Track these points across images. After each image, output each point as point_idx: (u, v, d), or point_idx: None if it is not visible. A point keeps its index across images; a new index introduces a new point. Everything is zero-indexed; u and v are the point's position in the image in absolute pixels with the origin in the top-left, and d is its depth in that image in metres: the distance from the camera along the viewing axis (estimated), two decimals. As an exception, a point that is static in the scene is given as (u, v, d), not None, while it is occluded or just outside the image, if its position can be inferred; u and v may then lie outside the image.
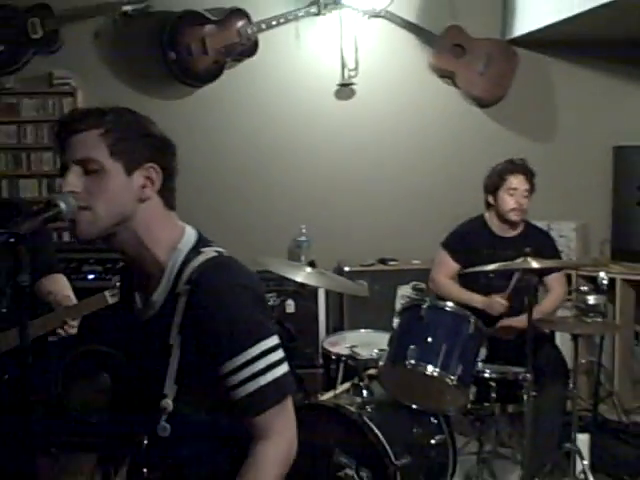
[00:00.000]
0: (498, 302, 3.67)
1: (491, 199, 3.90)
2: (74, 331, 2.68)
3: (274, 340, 1.60)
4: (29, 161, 4.99)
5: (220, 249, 1.68)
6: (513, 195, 3.81)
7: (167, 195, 1.66)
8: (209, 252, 1.64)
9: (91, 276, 4.39)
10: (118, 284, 2.55)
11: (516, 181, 3.82)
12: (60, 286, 2.83)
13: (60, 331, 2.64)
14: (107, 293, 2.69)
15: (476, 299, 3.77)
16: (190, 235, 1.68)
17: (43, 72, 4.98)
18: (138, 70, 5.08)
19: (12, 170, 4.98)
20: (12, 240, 1.49)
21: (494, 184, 3.87)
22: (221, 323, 1.55)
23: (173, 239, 1.66)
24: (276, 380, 1.58)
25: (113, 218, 1.58)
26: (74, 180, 1.57)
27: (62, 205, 1.53)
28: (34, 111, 4.97)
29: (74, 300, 2.75)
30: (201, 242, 1.68)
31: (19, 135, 4.97)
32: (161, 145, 1.65)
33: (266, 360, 1.57)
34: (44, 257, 2.80)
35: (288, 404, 1.62)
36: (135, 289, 1.73)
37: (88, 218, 1.56)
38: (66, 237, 4.89)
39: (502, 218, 3.88)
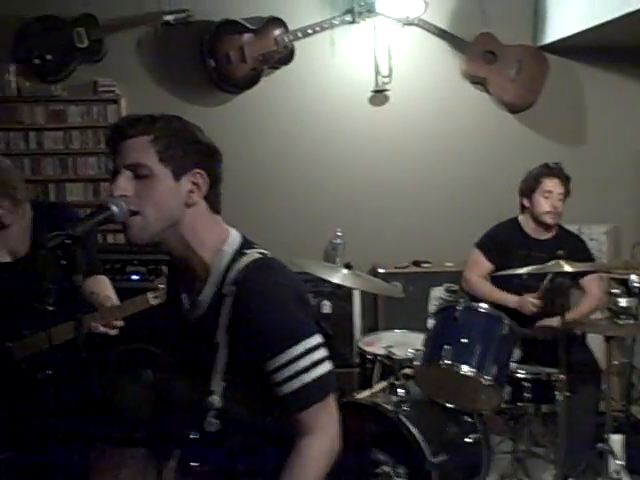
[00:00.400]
0: (531, 302, 3.71)
1: (526, 202, 3.96)
2: (114, 332, 2.69)
3: (317, 339, 1.65)
4: (75, 166, 5.13)
5: (263, 251, 1.73)
6: (548, 198, 3.87)
7: (213, 200, 1.72)
8: (253, 254, 1.69)
9: (135, 277, 4.52)
10: (161, 286, 2.58)
11: (552, 184, 3.88)
12: (102, 287, 2.87)
13: (102, 330, 2.65)
14: (149, 295, 2.69)
15: (509, 299, 3.82)
16: (235, 238, 1.74)
17: (88, 80, 5.14)
18: (179, 77, 5.21)
19: (59, 174, 5.12)
20: (68, 241, 1.54)
21: (530, 187, 3.93)
22: (266, 322, 1.61)
23: (219, 242, 1.71)
24: (319, 377, 1.62)
25: (162, 222, 1.64)
26: (125, 184, 1.62)
27: (114, 208, 1.58)
28: (80, 117, 5.11)
29: (115, 300, 2.78)
30: (245, 244, 1.73)
31: (65, 141, 5.12)
32: (208, 152, 1.70)
33: (310, 358, 1.62)
34: (87, 258, 2.83)
35: (331, 401, 1.67)
36: (181, 290, 1.79)
37: (139, 223, 1.62)
38: (110, 239, 5.05)
39: (537, 221, 3.93)
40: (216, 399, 1.64)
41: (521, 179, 4.02)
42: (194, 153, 1.67)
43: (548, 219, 3.89)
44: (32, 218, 2.89)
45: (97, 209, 1.60)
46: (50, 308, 2.68)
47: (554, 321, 3.67)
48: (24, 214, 2.87)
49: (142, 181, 1.62)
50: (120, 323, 2.70)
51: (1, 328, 2.74)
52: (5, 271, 2.81)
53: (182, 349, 1.81)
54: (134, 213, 1.62)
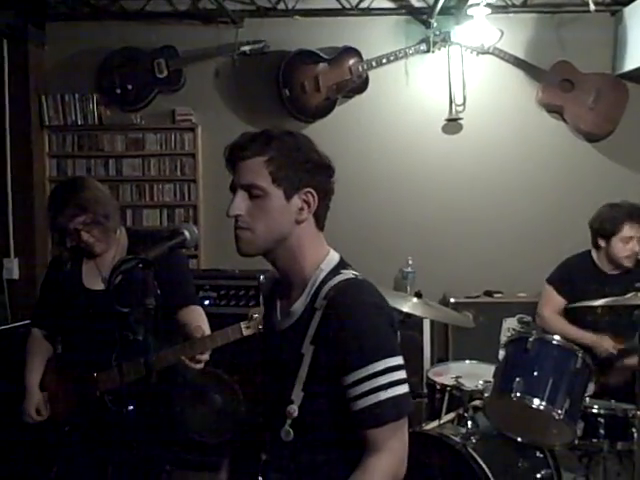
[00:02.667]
0: (608, 342, 3.63)
1: (602, 242, 3.85)
2: (199, 366, 2.69)
3: (399, 360, 1.65)
4: (152, 192, 5.30)
5: (357, 273, 1.76)
6: (628, 243, 3.78)
7: (320, 216, 1.77)
8: (347, 273, 1.73)
9: (206, 302, 4.59)
10: (256, 316, 2.64)
11: (632, 231, 3.77)
12: (194, 318, 2.84)
13: (190, 363, 2.65)
14: (243, 325, 2.71)
15: (586, 336, 3.73)
16: (333, 256, 1.79)
17: (166, 109, 5.32)
18: (254, 106, 5.32)
19: (136, 200, 5.30)
20: (141, 265, 1.60)
21: (608, 230, 3.81)
22: (351, 335, 1.62)
23: (319, 258, 1.76)
24: (395, 397, 1.62)
25: (271, 239, 1.71)
26: (240, 204, 1.69)
27: (186, 234, 1.65)
28: (157, 145, 5.29)
29: (207, 331, 2.75)
30: (341, 264, 1.78)
31: (143, 168, 5.30)
32: (319, 169, 1.75)
33: (389, 376, 1.62)
34: (182, 290, 2.87)
35: (404, 424, 1.67)
36: (278, 298, 1.84)
37: (248, 237, 1.69)
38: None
39: (613, 262, 3.84)
40: (294, 408, 1.66)
41: (595, 215, 3.91)
42: (305, 172, 1.71)
43: (626, 263, 3.80)
44: (127, 246, 2.93)
45: (170, 234, 1.66)
46: (140, 338, 2.76)
47: (634, 360, 3.53)
48: (117, 242, 2.92)
49: (255, 201, 1.69)
50: (205, 357, 2.69)
51: (92, 357, 2.79)
52: (98, 298, 2.83)
53: (271, 356, 1.83)
54: (244, 229, 1.69)
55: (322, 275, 1.73)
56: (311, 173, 1.72)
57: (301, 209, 1.71)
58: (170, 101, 5.32)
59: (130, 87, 5.22)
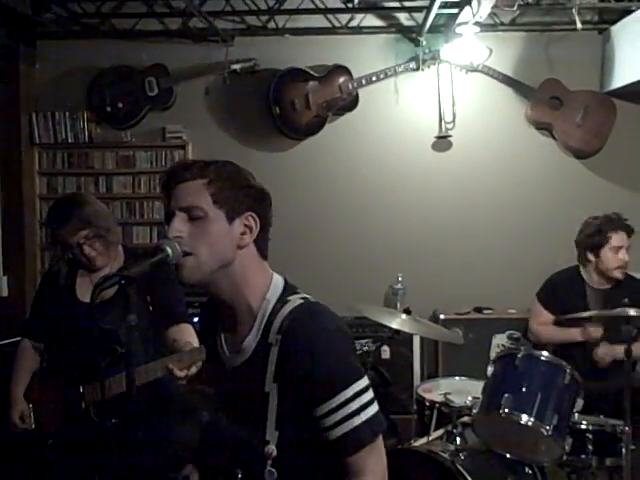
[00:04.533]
0: (596, 329, 3.70)
1: (591, 256, 3.86)
2: (183, 380, 2.63)
3: (365, 381, 1.65)
4: (142, 209, 5.31)
5: (305, 295, 1.74)
6: (617, 253, 3.79)
7: (261, 244, 1.74)
8: (295, 299, 1.70)
9: (195, 319, 4.57)
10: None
11: (620, 239, 3.80)
12: (185, 335, 2.82)
13: (180, 374, 2.59)
14: None
15: (574, 332, 3.80)
16: (278, 283, 1.75)
17: (157, 127, 5.34)
18: (244, 124, 5.34)
19: (126, 217, 5.30)
20: (123, 282, 1.57)
21: (597, 242, 3.83)
22: (317, 366, 1.60)
23: (264, 287, 1.72)
24: (369, 420, 1.63)
25: (215, 263, 1.65)
26: (179, 226, 1.64)
27: (168, 250, 1.60)
28: (148, 163, 5.30)
29: (197, 344, 2.67)
30: (287, 289, 1.74)
31: (134, 185, 5.31)
32: (260, 196, 1.73)
33: (359, 401, 1.62)
34: (173, 308, 2.88)
35: (380, 442, 1.67)
36: (221, 332, 1.79)
37: (192, 263, 1.63)
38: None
39: (603, 275, 3.85)
40: (272, 448, 1.63)
41: (580, 231, 3.94)
42: (247, 196, 1.69)
43: (617, 274, 3.83)
44: (123, 263, 2.96)
45: (152, 251, 1.63)
46: (120, 350, 2.71)
47: (616, 348, 3.60)
48: (116, 257, 2.96)
49: (196, 223, 1.65)
50: (194, 370, 2.65)
51: (80, 370, 2.80)
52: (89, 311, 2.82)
53: (226, 396, 1.79)
54: (187, 254, 1.63)
55: (270, 306, 1.70)
56: (253, 198, 1.70)
57: (243, 233, 1.69)
58: (161, 119, 5.34)
59: (121, 105, 5.24)
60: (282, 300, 1.70)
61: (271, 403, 1.64)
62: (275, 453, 1.63)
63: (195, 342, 2.78)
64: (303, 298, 1.72)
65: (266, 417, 1.64)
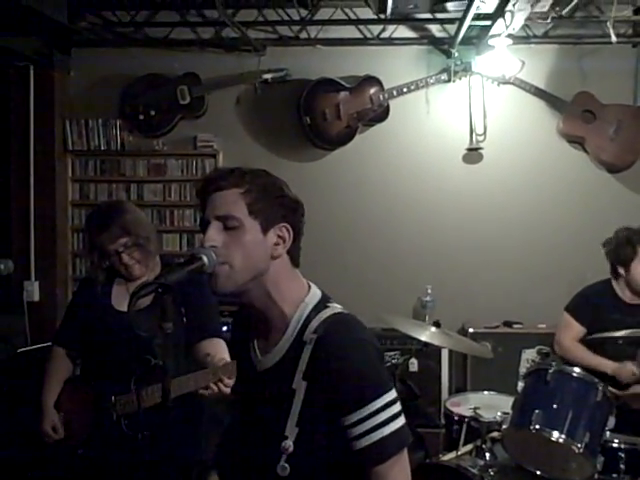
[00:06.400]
0: (630, 370, 3.58)
1: (621, 270, 3.80)
2: (227, 390, 2.57)
3: (394, 393, 1.66)
4: (172, 217, 5.35)
5: (340, 307, 1.75)
6: None
7: (294, 253, 1.75)
8: (333, 308, 1.72)
9: (224, 328, 4.59)
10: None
11: None
12: (218, 349, 2.77)
13: (215, 389, 2.55)
14: None
15: (606, 364, 3.68)
16: (315, 292, 1.77)
17: (188, 135, 5.37)
18: (275, 134, 5.36)
19: (157, 225, 5.29)
20: (160, 290, 1.57)
21: (626, 256, 3.77)
22: (349, 376, 1.61)
23: (298, 294, 1.74)
24: (396, 431, 1.63)
25: (249, 273, 1.66)
26: (215, 235, 1.65)
27: (205, 259, 1.60)
28: (179, 171, 5.34)
29: (228, 359, 2.62)
30: (325, 299, 1.76)
31: (164, 193, 5.35)
32: (293, 206, 1.73)
33: (388, 412, 1.63)
34: (205, 322, 2.84)
35: (405, 455, 1.68)
36: (252, 339, 1.80)
37: (226, 272, 1.64)
38: (203, 289, 5.16)
39: (634, 290, 3.80)
40: (289, 444, 1.64)
41: (609, 244, 3.88)
42: (281, 207, 1.70)
43: None
44: (160, 272, 2.90)
45: (188, 259, 1.63)
46: (161, 363, 2.72)
47: None
48: (154, 267, 2.91)
49: (231, 232, 1.66)
50: (231, 381, 2.57)
51: (112, 380, 2.77)
52: (125, 320, 2.69)
53: (254, 396, 1.79)
54: (222, 263, 1.64)
55: (307, 310, 1.71)
56: (287, 208, 1.71)
57: (276, 244, 1.69)
58: (192, 127, 5.37)
59: (153, 113, 5.28)
60: (319, 307, 1.72)
61: (296, 399, 1.64)
62: (292, 449, 1.63)
63: (228, 358, 2.73)
64: (339, 309, 1.74)
65: (289, 413, 1.65)
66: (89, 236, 2.87)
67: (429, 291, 5.10)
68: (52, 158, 5.31)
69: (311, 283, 1.80)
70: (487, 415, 3.51)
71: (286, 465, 1.64)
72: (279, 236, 1.70)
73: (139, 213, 2.93)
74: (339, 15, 5.24)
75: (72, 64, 5.45)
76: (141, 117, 5.29)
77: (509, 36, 4.69)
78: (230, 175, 1.69)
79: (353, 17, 5.25)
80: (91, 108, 5.39)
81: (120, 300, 2.90)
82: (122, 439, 2.74)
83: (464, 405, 3.81)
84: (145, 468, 2.72)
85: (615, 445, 3.25)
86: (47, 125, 5.32)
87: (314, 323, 1.68)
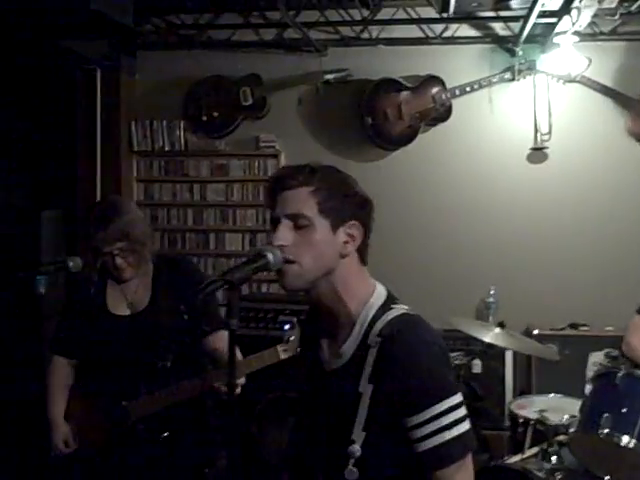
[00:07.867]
0: None
1: None
2: (237, 391, 2.54)
3: (459, 397, 1.64)
4: (235, 217, 5.40)
5: (407, 307, 1.73)
6: None
7: (363, 251, 1.73)
8: (399, 308, 1.70)
9: (287, 327, 4.62)
10: (292, 338, 2.58)
11: None
12: (226, 342, 2.82)
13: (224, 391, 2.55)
14: (280, 348, 2.63)
15: None
16: (381, 291, 1.75)
17: (250, 136, 5.42)
18: (336, 134, 5.37)
19: (219, 225, 5.41)
20: (226, 287, 1.57)
21: None
22: (414, 377, 1.60)
23: (365, 293, 1.72)
24: (460, 435, 1.61)
25: (318, 271, 1.66)
26: (285, 234, 1.65)
27: (270, 256, 1.60)
28: (241, 171, 5.40)
29: (240, 357, 2.63)
30: (390, 299, 1.74)
31: (227, 193, 5.42)
32: (363, 203, 1.72)
33: (453, 415, 1.60)
34: (211, 314, 2.80)
35: (469, 460, 1.65)
36: (322, 338, 1.80)
37: (295, 271, 1.65)
38: (264, 288, 5.21)
39: None
40: (357, 448, 1.63)
41: None
42: (351, 205, 1.69)
43: None
44: (153, 272, 2.87)
45: (253, 257, 1.64)
46: (168, 364, 2.68)
47: None
48: (147, 270, 2.86)
49: (301, 231, 1.66)
50: (242, 381, 2.62)
51: (116, 385, 2.75)
52: (124, 324, 2.81)
53: (323, 397, 1.79)
54: (291, 261, 1.64)
55: (373, 311, 1.70)
56: (356, 206, 1.70)
57: (346, 242, 1.68)
58: (254, 128, 5.42)
59: (216, 114, 5.34)
60: (384, 308, 1.70)
61: (363, 403, 1.63)
62: (359, 453, 1.62)
63: (237, 351, 2.70)
64: (406, 309, 1.72)
65: (355, 417, 1.64)
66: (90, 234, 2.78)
67: (492, 292, 5.05)
68: (118, 159, 5.41)
69: (377, 282, 1.78)
70: (554, 418, 3.43)
71: (354, 469, 1.64)
72: (349, 234, 1.69)
73: (138, 213, 2.86)
74: (401, 14, 5.21)
75: (137, 67, 5.57)
76: (204, 118, 5.36)
77: (575, 33, 4.61)
78: (300, 173, 1.68)
79: (415, 16, 5.21)
80: (156, 109, 5.49)
81: (116, 303, 2.85)
82: (139, 442, 2.73)
83: (530, 408, 3.74)
84: (166, 469, 2.73)
85: (688, 451, 3.15)
86: (113, 127, 5.43)
87: (379, 324, 1.66)
